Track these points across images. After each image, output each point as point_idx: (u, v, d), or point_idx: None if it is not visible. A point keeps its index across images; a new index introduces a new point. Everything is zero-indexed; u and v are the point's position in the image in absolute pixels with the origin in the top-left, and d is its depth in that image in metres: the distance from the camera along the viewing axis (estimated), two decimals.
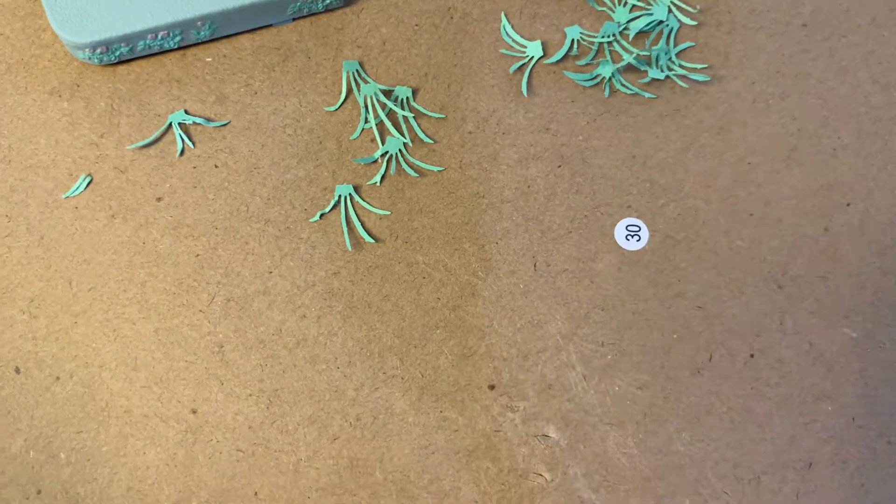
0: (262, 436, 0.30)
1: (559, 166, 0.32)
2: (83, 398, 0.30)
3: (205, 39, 0.33)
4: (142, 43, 0.32)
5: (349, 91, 0.33)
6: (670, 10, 0.34)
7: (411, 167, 0.32)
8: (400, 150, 0.32)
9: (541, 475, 0.29)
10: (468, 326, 0.30)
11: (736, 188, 0.32)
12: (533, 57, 0.33)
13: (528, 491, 0.29)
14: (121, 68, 0.33)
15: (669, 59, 0.33)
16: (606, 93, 0.33)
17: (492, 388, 0.30)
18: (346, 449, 0.29)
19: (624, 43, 0.34)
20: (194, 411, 0.30)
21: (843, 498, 0.29)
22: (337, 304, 0.31)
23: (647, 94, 0.33)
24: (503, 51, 0.34)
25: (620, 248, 0.31)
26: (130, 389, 0.30)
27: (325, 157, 0.32)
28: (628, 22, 0.34)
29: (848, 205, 0.31)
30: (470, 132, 0.33)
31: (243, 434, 0.30)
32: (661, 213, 0.32)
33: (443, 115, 0.33)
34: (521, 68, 0.33)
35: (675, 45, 0.34)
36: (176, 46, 0.33)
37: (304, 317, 0.31)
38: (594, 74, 0.33)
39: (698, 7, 0.34)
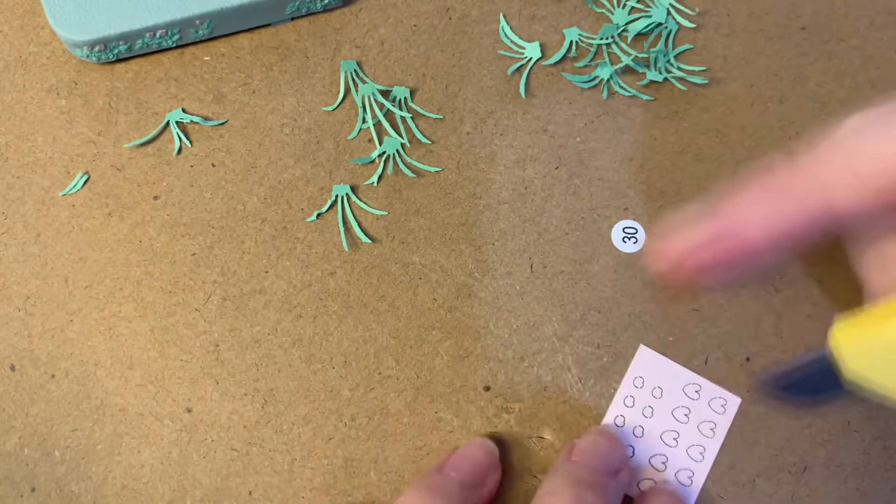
0: (257, 435, 0.30)
1: (556, 168, 0.32)
2: (78, 396, 0.30)
3: (203, 38, 0.33)
4: (140, 41, 0.32)
5: (347, 91, 0.33)
6: (669, 13, 0.34)
7: (409, 167, 0.32)
8: (397, 150, 0.32)
9: (535, 477, 0.29)
10: (464, 327, 0.30)
11: None
12: (531, 58, 0.33)
13: (522, 492, 0.29)
14: (119, 66, 0.33)
15: (668, 61, 0.33)
16: (604, 95, 0.33)
17: (487, 389, 0.30)
18: (340, 449, 0.29)
19: (622, 45, 0.34)
20: (189, 410, 0.30)
21: (838, 502, 0.29)
22: (333, 304, 0.31)
23: (644, 97, 0.33)
24: (501, 52, 0.34)
25: (617, 250, 0.31)
26: (125, 388, 0.30)
27: (323, 157, 0.32)
28: (627, 24, 0.34)
29: None
30: (468, 133, 0.33)
31: (238, 433, 0.29)
32: (658, 215, 0.32)
33: (440, 116, 0.33)
34: (519, 69, 0.33)
35: (674, 48, 0.34)
36: (174, 45, 0.33)
37: (300, 317, 0.31)
38: (592, 76, 0.33)
39: (697, 9, 0.34)
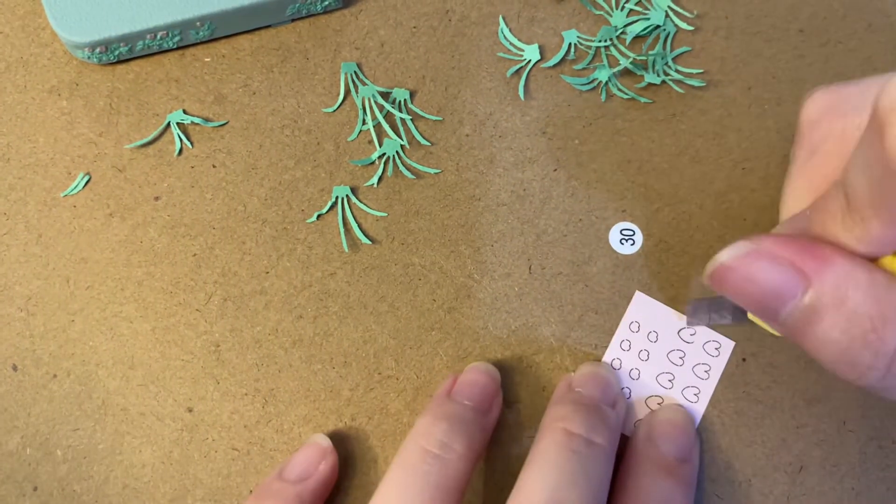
0: (258, 435, 0.30)
1: (555, 170, 0.32)
2: (80, 396, 0.30)
3: (204, 39, 0.33)
4: (141, 43, 0.32)
5: (347, 93, 0.33)
6: (667, 15, 0.34)
7: (408, 169, 0.32)
8: (397, 152, 0.32)
9: None
10: (463, 328, 0.31)
11: (730, 193, 0.32)
12: (530, 60, 0.33)
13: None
14: (120, 67, 0.33)
15: (666, 63, 0.33)
16: (603, 97, 0.33)
17: None
18: (340, 448, 0.29)
19: (621, 47, 0.34)
20: (190, 410, 0.30)
21: (834, 501, 0.29)
22: (333, 304, 0.31)
23: (643, 99, 0.33)
24: (500, 54, 0.34)
25: (615, 251, 0.31)
26: (127, 388, 0.30)
27: (323, 159, 0.32)
28: (625, 26, 0.34)
29: None
30: (467, 135, 0.33)
31: (239, 433, 0.30)
32: (656, 217, 0.32)
33: (440, 118, 0.33)
34: (518, 72, 0.33)
35: (672, 50, 0.34)
36: (175, 46, 0.33)
37: (301, 317, 0.31)
38: (591, 78, 0.33)
39: (695, 12, 0.34)
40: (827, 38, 0.34)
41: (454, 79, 0.33)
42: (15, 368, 0.30)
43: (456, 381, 0.29)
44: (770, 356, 0.30)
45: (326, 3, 0.34)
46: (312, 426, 0.30)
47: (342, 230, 0.31)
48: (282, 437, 0.30)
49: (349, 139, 0.33)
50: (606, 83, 0.33)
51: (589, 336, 0.31)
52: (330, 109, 0.33)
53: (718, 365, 0.30)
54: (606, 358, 0.30)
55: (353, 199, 0.32)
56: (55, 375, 0.30)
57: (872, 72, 0.33)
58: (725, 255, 0.22)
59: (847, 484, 0.29)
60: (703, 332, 0.30)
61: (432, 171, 0.32)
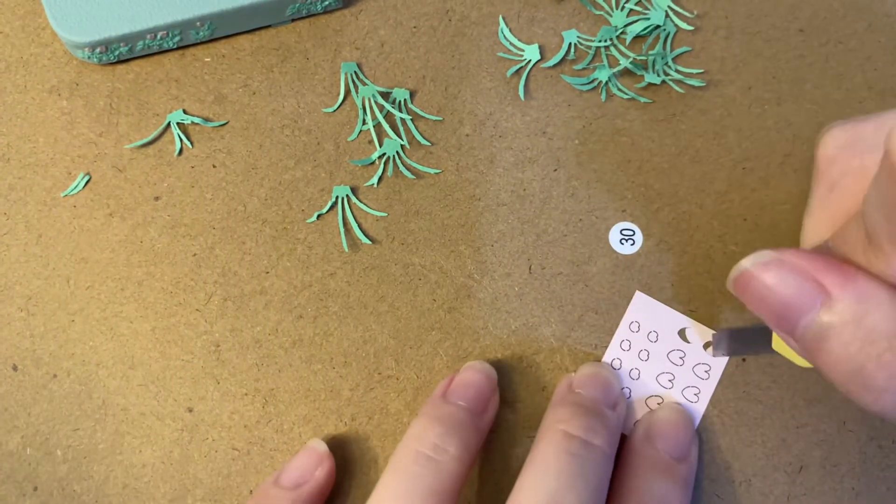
0: (258, 435, 0.30)
1: (555, 170, 0.32)
2: (80, 396, 0.30)
3: (204, 39, 0.33)
4: (141, 43, 0.32)
5: (347, 93, 0.33)
6: (667, 15, 0.34)
7: (408, 169, 0.32)
8: (397, 152, 0.32)
9: None
10: (463, 328, 0.31)
11: (730, 193, 0.32)
12: (530, 60, 0.33)
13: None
14: (120, 67, 0.33)
15: (666, 63, 0.33)
16: (603, 97, 0.33)
17: None
18: (340, 449, 0.30)
19: (621, 47, 0.34)
20: (190, 410, 0.30)
21: (834, 501, 0.29)
22: (333, 304, 0.31)
23: (643, 99, 0.33)
24: (501, 54, 0.34)
25: (615, 251, 0.31)
26: (127, 387, 0.30)
27: (323, 158, 0.32)
28: (625, 26, 0.34)
29: None
30: (467, 135, 0.33)
31: (239, 433, 0.30)
32: (656, 217, 0.32)
33: (440, 118, 0.33)
34: (518, 72, 0.33)
35: (672, 50, 0.34)
36: (175, 46, 0.33)
37: (301, 317, 0.31)
38: (591, 78, 0.33)
39: (696, 12, 0.34)
40: (827, 37, 0.34)
41: (454, 79, 0.33)
42: (15, 368, 0.30)
43: (452, 381, 0.28)
44: (770, 356, 0.30)
45: (326, 3, 0.34)
46: (312, 426, 0.30)
47: (342, 230, 0.31)
48: (282, 437, 0.30)
49: (349, 139, 0.33)
50: (606, 83, 0.33)
51: (589, 336, 0.31)
52: (330, 109, 0.33)
53: (718, 365, 0.30)
54: (606, 358, 0.30)
55: (353, 199, 0.32)
56: (55, 375, 0.30)
57: (872, 72, 0.33)
58: (749, 262, 0.22)
59: (847, 484, 0.29)
60: (703, 332, 0.30)
61: (432, 171, 0.32)
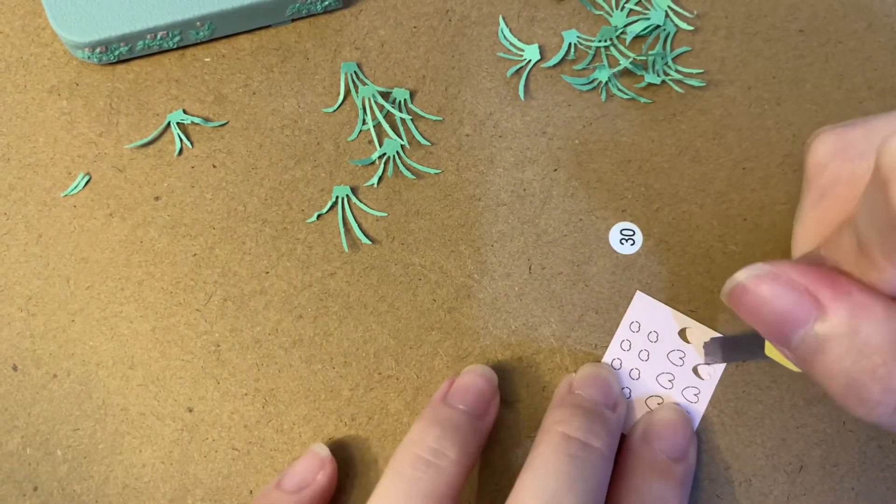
0: (258, 435, 0.30)
1: (555, 170, 0.32)
2: (80, 396, 0.30)
3: (204, 39, 0.33)
4: (141, 43, 0.32)
5: (347, 92, 0.33)
6: (667, 15, 0.34)
7: (408, 169, 0.32)
8: (397, 152, 0.32)
9: None
10: (463, 328, 0.31)
11: (730, 193, 0.32)
12: (530, 60, 0.33)
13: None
14: (120, 67, 0.33)
15: (666, 63, 0.33)
16: (603, 97, 0.33)
17: None
18: (340, 449, 0.30)
19: (621, 47, 0.34)
20: (190, 410, 0.30)
21: (833, 501, 0.29)
22: (333, 304, 0.31)
23: (643, 99, 0.33)
24: (500, 54, 0.34)
25: (615, 251, 0.31)
26: (127, 387, 0.30)
27: (323, 158, 0.32)
28: (625, 26, 0.34)
29: None
30: (467, 135, 0.33)
31: (239, 433, 0.30)
32: (656, 217, 0.32)
33: (440, 118, 0.33)
34: (518, 71, 0.33)
35: (672, 50, 0.34)
36: (175, 46, 0.33)
37: (301, 317, 0.31)
38: (591, 78, 0.33)
39: (695, 12, 0.34)
40: (827, 37, 0.34)
41: (454, 79, 0.33)
42: (15, 368, 0.30)
43: (452, 384, 0.28)
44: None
45: (326, 3, 0.34)
46: (312, 426, 0.30)
47: (342, 230, 0.31)
48: (282, 437, 0.30)
49: (349, 139, 0.33)
50: (606, 83, 0.33)
51: (589, 336, 0.31)
52: (330, 109, 0.33)
53: (719, 366, 0.30)
54: (607, 358, 0.30)
55: (353, 199, 0.32)
56: (55, 375, 0.30)
57: (872, 72, 0.33)
58: (743, 275, 0.22)
59: (847, 484, 0.29)
60: (704, 332, 0.30)
61: (432, 171, 0.32)
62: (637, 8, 0.34)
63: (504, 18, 0.34)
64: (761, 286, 0.21)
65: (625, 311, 0.31)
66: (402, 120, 0.33)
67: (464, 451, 0.26)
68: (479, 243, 0.32)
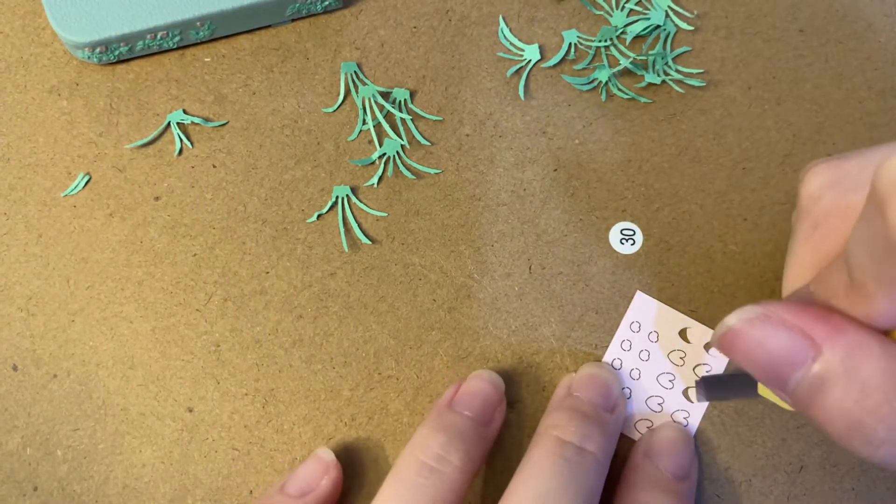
0: (258, 435, 0.30)
1: (555, 170, 0.32)
2: (80, 396, 0.30)
3: (204, 39, 0.33)
4: (141, 43, 0.32)
5: (347, 92, 0.33)
6: (667, 15, 0.34)
7: (408, 169, 0.32)
8: (397, 152, 0.32)
9: None
10: (463, 328, 0.31)
11: (730, 193, 0.32)
12: (530, 60, 0.33)
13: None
14: (120, 67, 0.33)
15: (666, 63, 0.33)
16: (603, 97, 0.33)
17: None
18: (340, 449, 0.30)
19: (621, 47, 0.34)
20: (190, 410, 0.30)
21: (833, 501, 0.29)
22: (333, 304, 0.31)
23: (643, 99, 0.33)
24: (501, 54, 0.34)
25: (615, 251, 0.31)
26: (127, 387, 0.30)
27: (323, 158, 0.32)
28: (625, 26, 0.34)
29: None
30: (467, 135, 0.33)
31: (239, 433, 0.30)
32: (656, 217, 0.32)
33: (440, 118, 0.33)
34: (518, 71, 0.33)
35: (672, 50, 0.34)
36: (175, 46, 0.33)
37: (301, 317, 0.31)
38: (591, 78, 0.33)
39: (696, 12, 0.34)
40: (827, 37, 0.34)
41: (454, 79, 0.33)
42: (15, 368, 0.30)
43: (459, 389, 0.28)
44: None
45: (326, 3, 0.34)
46: (312, 426, 0.30)
47: (342, 230, 0.31)
48: (282, 437, 0.30)
49: (349, 139, 0.33)
50: (606, 83, 0.33)
51: (589, 336, 0.31)
52: (330, 109, 0.33)
53: (719, 365, 0.30)
54: (607, 358, 0.30)
55: (354, 199, 0.32)
56: (55, 375, 0.30)
57: (872, 72, 0.33)
58: (734, 320, 0.22)
59: (847, 484, 0.29)
60: (704, 332, 0.30)
61: (432, 171, 0.32)
62: (637, 8, 0.34)
63: (504, 18, 0.34)
64: (753, 329, 0.21)
65: (625, 311, 0.31)
66: (402, 120, 0.33)
67: (468, 458, 0.26)
68: (479, 243, 0.32)
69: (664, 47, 0.34)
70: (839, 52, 0.34)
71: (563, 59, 0.34)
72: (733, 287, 0.31)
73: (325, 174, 0.32)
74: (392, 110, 0.33)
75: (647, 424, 0.29)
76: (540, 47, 0.34)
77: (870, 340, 0.19)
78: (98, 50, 0.32)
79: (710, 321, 0.30)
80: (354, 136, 0.33)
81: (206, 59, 0.34)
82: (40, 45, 0.34)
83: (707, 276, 0.31)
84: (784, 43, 0.34)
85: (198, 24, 0.32)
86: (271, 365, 0.30)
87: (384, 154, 0.32)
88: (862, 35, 0.34)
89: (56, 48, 0.34)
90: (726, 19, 0.34)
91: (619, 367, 0.30)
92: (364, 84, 0.33)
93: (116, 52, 0.32)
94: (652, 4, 0.34)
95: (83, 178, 0.32)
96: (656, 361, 0.30)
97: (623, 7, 0.34)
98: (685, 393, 0.29)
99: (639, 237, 0.31)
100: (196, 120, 0.33)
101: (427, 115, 0.33)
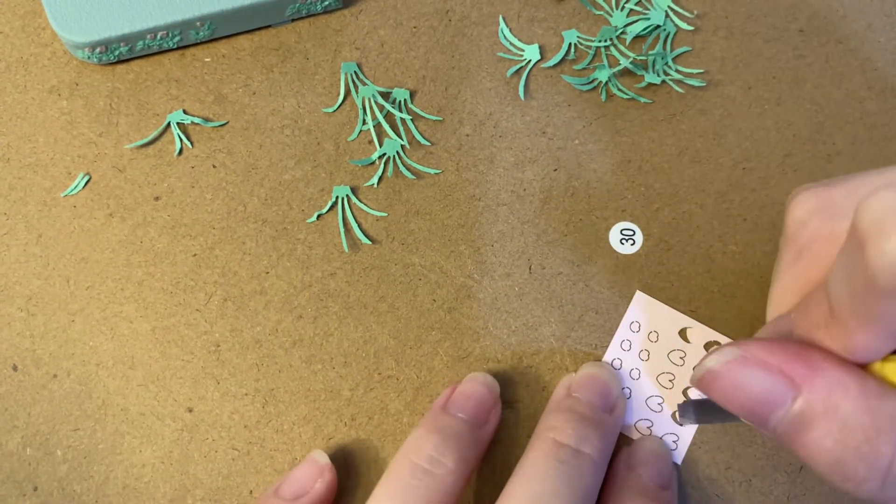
0: (258, 435, 0.30)
1: (555, 170, 0.32)
2: (80, 396, 0.30)
3: (204, 39, 0.33)
4: (141, 43, 0.32)
5: (347, 93, 0.33)
6: (667, 15, 0.34)
7: (408, 169, 0.32)
8: (397, 152, 0.32)
9: None
10: (463, 328, 0.31)
11: (730, 193, 0.32)
12: (530, 60, 0.33)
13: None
14: (120, 67, 0.33)
15: (666, 63, 0.33)
16: (603, 97, 0.33)
17: None
18: (340, 449, 0.30)
19: (621, 47, 0.34)
20: (190, 410, 0.30)
21: (833, 501, 0.29)
22: (333, 304, 0.31)
23: (643, 99, 0.33)
24: (500, 54, 0.34)
25: (615, 251, 0.31)
26: (127, 387, 0.30)
27: (323, 159, 0.32)
28: (625, 26, 0.34)
29: None
30: (467, 135, 0.33)
31: (239, 433, 0.30)
32: (656, 217, 0.32)
33: (440, 118, 0.33)
34: (518, 72, 0.33)
35: (672, 50, 0.34)
36: (175, 46, 0.33)
37: (301, 317, 0.31)
38: (591, 79, 0.33)
39: (696, 12, 0.34)
40: (827, 37, 0.34)
41: (454, 79, 0.33)
42: (15, 368, 0.30)
43: (454, 391, 0.28)
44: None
45: (326, 3, 0.34)
46: (312, 426, 0.30)
47: (342, 230, 0.31)
48: (282, 437, 0.30)
49: (349, 139, 0.33)
50: (606, 83, 0.33)
51: (589, 336, 0.31)
52: (330, 109, 0.33)
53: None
54: (607, 358, 0.30)
55: (353, 199, 0.32)
56: (55, 375, 0.30)
57: (872, 72, 0.33)
58: (713, 362, 0.22)
59: None
60: (704, 332, 0.30)
61: (432, 171, 0.32)
62: (637, 8, 0.34)
63: (504, 18, 0.34)
64: (732, 372, 0.21)
65: (625, 311, 0.31)
66: (402, 120, 0.33)
67: (462, 460, 0.26)
68: (479, 243, 0.32)
69: (664, 47, 0.34)
70: (839, 52, 0.34)
71: (563, 60, 0.34)
72: (733, 287, 0.31)
73: (325, 174, 0.32)
74: (392, 110, 0.33)
75: (647, 424, 0.29)
76: (540, 47, 0.34)
77: (848, 379, 0.19)
78: (98, 50, 0.32)
79: (710, 321, 0.30)
80: (354, 136, 0.33)
81: (206, 59, 0.34)
82: (40, 45, 0.34)
83: (707, 276, 0.31)
84: (784, 43, 0.34)
85: (198, 24, 0.32)
86: (271, 365, 0.30)
87: (384, 154, 0.32)
88: (862, 35, 0.34)
89: (56, 48, 0.34)
90: (726, 19, 0.34)
91: (619, 367, 0.30)
92: (364, 84, 0.33)
93: (116, 52, 0.32)
94: (652, 4, 0.34)
95: (83, 178, 0.32)
96: (656, 361, 0.30)
97: (623, 7, 0.34)
98: (673, 416, 0.29)
99: (639, 237, 0.31)
100: (196, 120, 0.33)
101: (427, 116, 0.33)
